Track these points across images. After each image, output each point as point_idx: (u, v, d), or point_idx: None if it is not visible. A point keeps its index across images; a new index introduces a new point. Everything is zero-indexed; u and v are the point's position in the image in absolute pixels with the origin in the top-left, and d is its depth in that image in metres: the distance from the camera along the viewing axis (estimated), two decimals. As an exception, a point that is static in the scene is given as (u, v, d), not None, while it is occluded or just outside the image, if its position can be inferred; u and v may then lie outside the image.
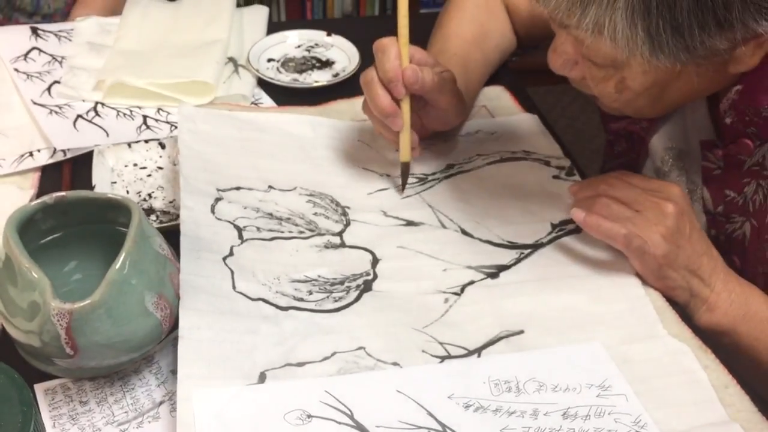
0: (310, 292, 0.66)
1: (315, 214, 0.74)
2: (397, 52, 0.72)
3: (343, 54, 0.99)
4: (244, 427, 0.55)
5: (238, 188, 0.75)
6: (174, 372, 0.61)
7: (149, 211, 0.76)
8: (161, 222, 0.74)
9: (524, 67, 1.02)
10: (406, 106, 0.74)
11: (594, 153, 2.17)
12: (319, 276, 0.68)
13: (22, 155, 0.81)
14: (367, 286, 0.68)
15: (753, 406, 0.59)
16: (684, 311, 0.68)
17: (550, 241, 0.73)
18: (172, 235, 0.65)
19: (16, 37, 0.99)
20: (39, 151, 0.82)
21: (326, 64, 0.98)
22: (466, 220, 0.75)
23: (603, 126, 0.90)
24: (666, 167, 0.80)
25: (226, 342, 0.60)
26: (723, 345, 0.66)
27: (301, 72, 0.97)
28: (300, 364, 0.60)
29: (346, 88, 0.92)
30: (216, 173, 0.76)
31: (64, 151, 0.81)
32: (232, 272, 0.66)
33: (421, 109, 0.77)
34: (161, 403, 0.59)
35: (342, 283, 0.68)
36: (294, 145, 0.82)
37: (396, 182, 0.79)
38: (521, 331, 0.64)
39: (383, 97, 0.73)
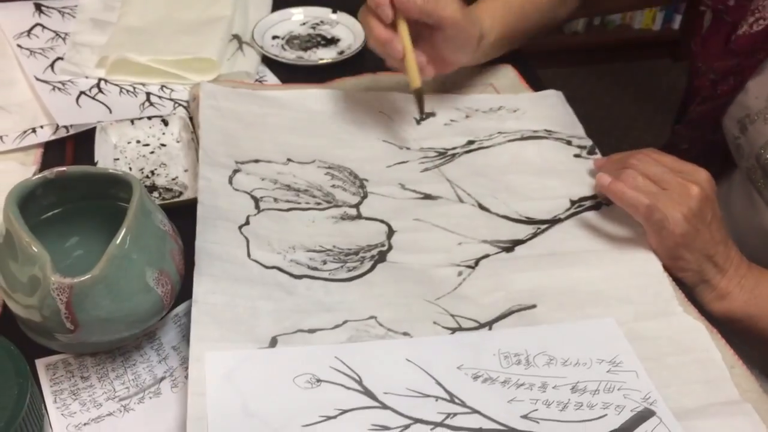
0: (325, 262, 0.66)
1: (333, 186, 0.74)
2: None
3: (348, 31, 0.98)
4: (255, 389, 0.55)
5: (256, 161, 0.75)
6: (175, 348, 0.61)
7: (151, 188, 0.75)
8: (164, 199, 0.74)
9: (533, 49, 1.01)
10: (403, 28, 0.73)
11: (602, 135, 2.16)
12: (334, 246, 0.68)
13: (25, 131, 0.81)
14: (381, 257, 0.67)
15: (759, 387, 0.58)
16: (690, 296, 0.67)
17: (567, 217, 0.72)
18: (174, 213, 0.64)
19: (19, 13, 0.98)
20: (42, 127, 0.81)
21: (331, 41, 0.97)
22: (484, 195, 0.74)
23: (705, 67, 0.85)
24: (760, 117, 0.77)
25: (239, 307, 0.60)
26: (737, 331, 0.65)
27: (306, 49, 0.96)
28: (311, 331, 0.60)
29: (352, 65, 0.91)
30: (235, 147, 0.76)
31: (66, 127, 0.81)
32: (248, 240, 0.66)
33: (429, 40, 0.75)
34: (162, 379, 0.59)
35: (356, 253, 0.67)
36: (314, 119, 0.82)
37: (416, 156, 0.79)
38: (533, 306, 0.64)
39: (376, 27, 0.72)
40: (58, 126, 0.81)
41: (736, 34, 0.79)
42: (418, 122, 0.83)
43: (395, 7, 0.71)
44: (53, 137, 0.80)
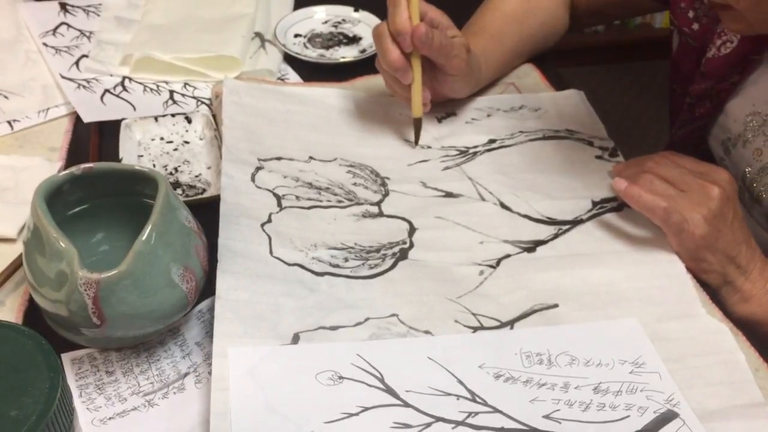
0: (346, 259, 0.67)
1: (354, 184, 0.74)
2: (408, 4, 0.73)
3: (370, 30, 0.98)
4: (277, 384, 0.55)
5: (279, 158, 0.76)
6: (199, 344, 0.61)
7: (175, 184, 0.76)
8: (187, 196, 0.74)
9: (553, 47, 1.02)
10: (416, 61, 0.75)
11: (621, 135, 2.15)
12: (355, 244, 0.68)
13: (48, 108, 0.84)
14: (402, 255, 0.67)
15: None
16: (714, 297, 0.66)
17: (589, 218, 0.72)
18: (197, 209, 0.65)
19: (45, 12, 0.99)
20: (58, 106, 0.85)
21: (353, 39, 0.98)
22: (506, 193, 0.74)
23: (681, 91, 0.86)
24: (750, 134, 0.78)
25: (261, 303, 0.61)
26: (759, 335, 0.65)
27: (327, 48, 0.96)
28: (333, 328, 0.60)
29: (373, 64, 0.91)
30: (258, 144, 0.77)
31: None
32: (270, 238, 0.67)
33: (429, 72, 0.77)
34: (186, 374, 0.59)
35: (378, 250, 0.68)
36: (336, 117, 0.83)
37: (437, 154, 0.79)
38: (555, 305, 0.63)
39: (392, 51, 0.74)
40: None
41: (706, 58, 0.80)
42: (439, 120, 0.83)
43: (414, 41, 0.73)
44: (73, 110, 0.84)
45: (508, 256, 0.68)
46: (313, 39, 0.97)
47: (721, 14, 0.68)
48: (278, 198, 0.71)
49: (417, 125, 0.79)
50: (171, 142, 0.81)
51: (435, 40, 0.73)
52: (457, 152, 0.80)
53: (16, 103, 0.84)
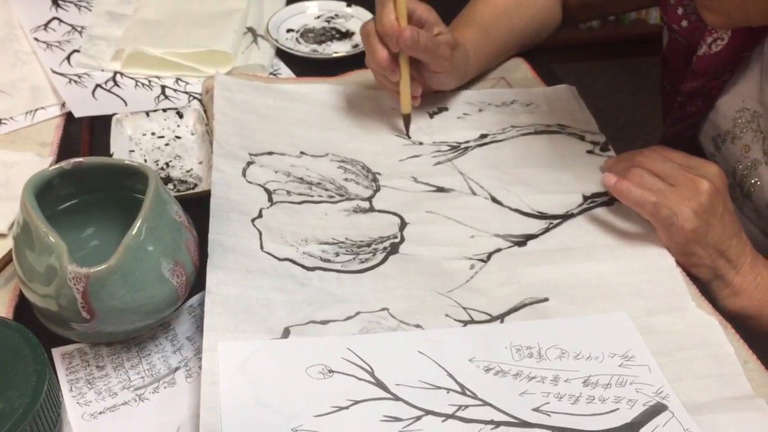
0: (337, 254, 0.67)
1: (345, 179, 0.74)
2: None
3: (362, 25, 0.98)
4: (267, 379, 0.55)
5: (270, 153, 0.76)
6: (189, 339, 0.61)
7: (166, 179, 0.76)
8: (178, 191, 0.74)
9: (547, 43, 1.02)
10: (404, 59, 0.76)
11: (617, 131, 2.15)
12: (346, 238, 0.68)
13: (35, 110, 0.83)
14: (393, 249, 0.68)
15: None
16: (704, 291, 0.67)
17: (580, 212, 0.72)
18: (189, 204, 0.65)
19: (36, 7, 0.99)
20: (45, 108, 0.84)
21: (346, 34, 0.97)
22: (497, 187, 0.75)
23: (672, 88, 0.87)
24: (738, 130, 0.78)
25: (252, 298, 0.61)
26: (749, 329, 0.65)
27: (320, 43, 0.96)
28: (324, 322, 0.60)
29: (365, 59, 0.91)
30: (249, 139, 0.77)
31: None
32: (260, 233, 0.67)
33: (416, 67, 0.78)
34: (177, 369, 0.59)
35: (369, 245, 0.68)
36: (328, 113, 0.83)
37: (429, 150, 0.80)
38: (546, 299, 0.64)
39: (380, 52, 0.75)
40: (64, 102, 0.83)
41: (697, 56, 0.80)
42: (431, 116, 0.83)
43: (401, 45, 0.74)
44: (65, 111, 0.83)
45: (498, 250, 0.68)
46: (305, 34, 0.97)
47: (699, 6, 0.68)
48: (269, 193, 0.71)
49: (406, 120, 0.81)
50: (162, 137, 0.81)
51: (421, 43, 0.74)
52: (449, 147, 0.80)
53: (4, 103, 0.84)
